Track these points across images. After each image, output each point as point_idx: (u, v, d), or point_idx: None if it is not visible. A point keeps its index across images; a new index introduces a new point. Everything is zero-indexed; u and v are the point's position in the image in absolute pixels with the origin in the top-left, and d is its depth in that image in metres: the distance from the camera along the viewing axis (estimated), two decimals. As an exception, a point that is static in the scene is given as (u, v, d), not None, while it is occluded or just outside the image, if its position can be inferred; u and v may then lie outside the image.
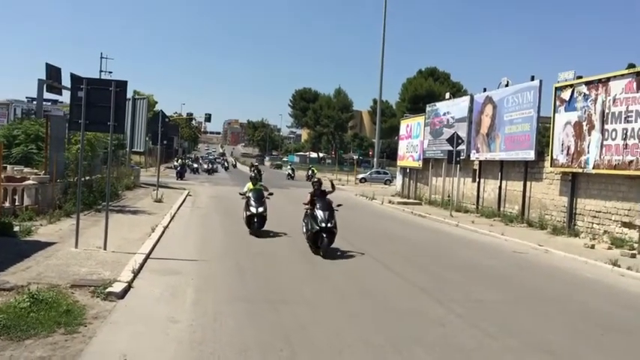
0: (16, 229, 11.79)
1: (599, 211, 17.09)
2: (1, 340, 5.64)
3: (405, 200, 30.94)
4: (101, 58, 63.54)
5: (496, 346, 6.62)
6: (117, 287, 7.83)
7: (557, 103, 18.96)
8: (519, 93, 21.77)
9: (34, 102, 41.68)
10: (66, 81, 25.91)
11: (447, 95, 31.01)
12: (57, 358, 5.32)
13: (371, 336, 6.67)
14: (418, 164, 32.06)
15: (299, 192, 30.01)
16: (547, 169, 19.85)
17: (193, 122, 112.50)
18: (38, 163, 18.46)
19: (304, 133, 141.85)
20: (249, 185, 15.61)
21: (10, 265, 8.71)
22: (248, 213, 14.76)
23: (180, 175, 40.39)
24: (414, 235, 17.43)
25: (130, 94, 31.71)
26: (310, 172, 54.33)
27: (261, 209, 14.70)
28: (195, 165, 58.43)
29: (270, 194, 15.66)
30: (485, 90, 25.03)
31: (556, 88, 19.05)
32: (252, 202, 14.73)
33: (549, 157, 19.40)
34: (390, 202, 29.46)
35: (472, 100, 25.94)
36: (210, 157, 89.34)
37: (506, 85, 23.09)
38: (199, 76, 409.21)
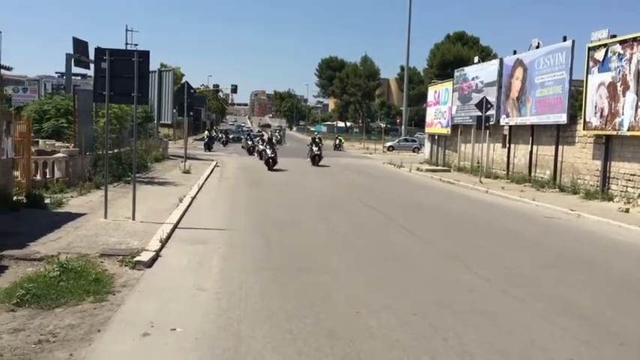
0: (47, 201, 12.00)
1: (634, 174, 16.63)
2: (32, 308, 5.74)
3: (434, 167, 30.64)
4: (126, 30, 63.80)
5: (525, 311, 6.50)
6: (145, 256, 7.91)
7: (591, 63, 18.34)
8: (551, 54, 21.12)
9: (64, 77, 42.22)
10: (93, 55, 26.05)
11: (476, 59, 30.29)
12: (85, 325, 5.39)
13: (396, 301, 6.61)
14: (447, 131, 31.60)
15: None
16: (580, 133, 19.33)
17: (220, 94, 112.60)
18: (69, 136, 18.71)
19: (331, 103, 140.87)
20: None
21: (41, 235, 8.86)
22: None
23: (208, 147, 40.65)
24: (441, 201, 17.25)
25: (156, 67, 31.75)
26: (337, 141, 54.22)
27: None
28: (224, 138, 51.02)
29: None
30: (515, 52, 24.38)
31: (589, 48, 18.40)
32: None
33: (582, 120, 18.88)
34: (418, 169, 29.19)
35: (501, 63, 25.32)
36: (246, 128, 67.23)
37: (537, 47, 22.43)
38: (225, 48, 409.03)
